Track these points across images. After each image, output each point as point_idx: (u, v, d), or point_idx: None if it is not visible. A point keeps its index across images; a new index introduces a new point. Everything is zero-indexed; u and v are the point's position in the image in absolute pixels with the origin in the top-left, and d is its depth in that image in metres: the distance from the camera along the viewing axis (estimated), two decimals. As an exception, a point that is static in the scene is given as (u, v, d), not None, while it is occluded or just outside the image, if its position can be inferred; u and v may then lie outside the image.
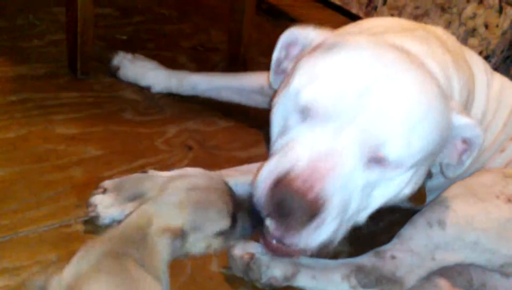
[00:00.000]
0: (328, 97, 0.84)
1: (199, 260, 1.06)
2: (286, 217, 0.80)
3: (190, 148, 1.37)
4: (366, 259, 1.07)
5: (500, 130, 1.24)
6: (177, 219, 0.87)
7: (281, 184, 0.80)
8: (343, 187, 0.82)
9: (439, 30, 1.17)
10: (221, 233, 0.92)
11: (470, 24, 2.02)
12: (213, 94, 1.53)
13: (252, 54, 1.78)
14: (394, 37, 1.00)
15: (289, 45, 1.04)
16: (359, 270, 1.05)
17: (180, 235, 0.87)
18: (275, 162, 0.87)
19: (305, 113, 0.86)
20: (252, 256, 1.02)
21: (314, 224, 0.81)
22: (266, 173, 0.86)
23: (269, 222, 0.87)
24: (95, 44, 1.56)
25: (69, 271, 0.82)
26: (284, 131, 0.91)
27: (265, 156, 1.33)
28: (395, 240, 1.09)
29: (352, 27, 1.14)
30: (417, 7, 2.20)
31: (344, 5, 2.39)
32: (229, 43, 1.78)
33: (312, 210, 0.79)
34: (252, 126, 1.51)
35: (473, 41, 2.00)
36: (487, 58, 1.95)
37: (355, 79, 0.84)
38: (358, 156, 0.83)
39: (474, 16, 2.01)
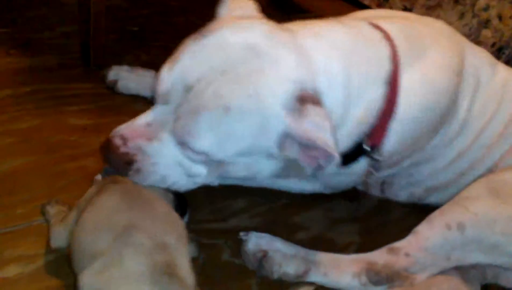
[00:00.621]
0: (166, 80, 0.95)
1: (211, 250, 1.06)
2: (112, 165, 0.98)
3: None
4: (378, 256, 1.07)
5: (507, 123, 1.21)
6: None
7: (107, 142, 0.98)
8: (154, 151, 0.96)
9: (433, 24, 1.16)
10: None
11: (484, 15, 2.00)
12: None
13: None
14: (307, 28, 1.01)
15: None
16: (370, 267, 1.05)
17: None
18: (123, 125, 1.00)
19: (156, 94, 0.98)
20: (265, 253, 1.03)
21: (132, 171, 0.96)
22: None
23: None
24: (107, 36, 1.56)
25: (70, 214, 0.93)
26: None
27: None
28: (410, 238, 1.07)
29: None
30: (429, -1, 2.18)
31: (356, -4, 2.38)
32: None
33: (124, 160, 0.96)
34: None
35: (486, 32, 1.99)
36: (500, 50, 1.93)
37: (189, 72, 0.92)
38: (171, 137, 0.95)
39: (487, 8, 2.00)
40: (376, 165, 1.10)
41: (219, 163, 0.97)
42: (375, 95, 1.03)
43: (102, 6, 1.50)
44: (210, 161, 0.96)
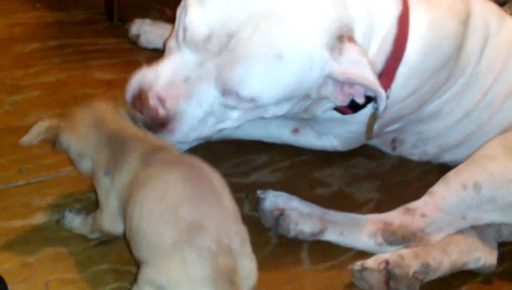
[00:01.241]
0: (202, 26, 0.90)
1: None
2: (145, 120, 0.94)
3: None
4: (394, 216, 1.08)
5: None
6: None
7: (140, 98, 0.94)
8: (195, 110, 0.94)
9: None
10: None
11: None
12: None
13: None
14: None
15: None
16: (386, 227, 1.06)
17: None
18: (145, 73, 0.97)
19: (184, 32, 0.92)
20: (282, 212, 1.05)
21: (166, 130, 0.95)
22: (135, 81, 0.97)
23: None
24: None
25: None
26: (171, 38, 0.98)
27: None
28: (426, 198, 1.08)
29: None
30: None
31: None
32: None
33: (161, 122, 0.94)
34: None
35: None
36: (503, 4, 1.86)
37: (230, 17, 0.89)
38: (213, 88, 0.93)
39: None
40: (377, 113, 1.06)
41: (257, 108, 0.96)
42: (387, 35, 1.01)
43: (127, -40, 1.50)
44: (247, 108, 0.95)
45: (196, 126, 0.98)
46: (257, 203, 1.08)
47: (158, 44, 1.47)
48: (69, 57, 1.37)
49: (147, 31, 1.49)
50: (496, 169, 1.04)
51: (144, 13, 1.58)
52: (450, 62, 1.11)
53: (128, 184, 0.83)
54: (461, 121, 1.21)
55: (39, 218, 0.97)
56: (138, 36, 1.48)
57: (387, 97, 1.00)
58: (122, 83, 1.30)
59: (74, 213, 0.95)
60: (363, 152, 1.30)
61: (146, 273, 0.77)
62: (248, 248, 0.80)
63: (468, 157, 1.11)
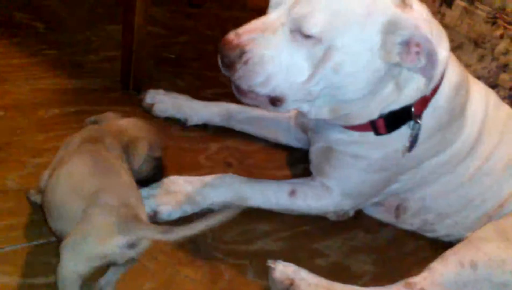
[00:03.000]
0: None
1: (237, 270, 1.15)
2: (224, 59, 1.08)
3: (229, 165, 1.47)
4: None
5: None
6: None
7: (223, 45, 1.09)
8: (267, 42, 1.07)
9: None
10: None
11: (503, 59, 2.08)
12: (246, 128, 1.58)
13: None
14: None
15: None
16: None
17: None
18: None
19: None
20: (291, 282, 1.12)
21: (243, 63, 1.06)
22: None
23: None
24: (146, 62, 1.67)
25: (55, 159, 1.05)
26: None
27: (299, 175, 1.43)
28: (425, 273, 1.15)
29: None
30: (451, 40, 2.27)
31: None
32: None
33: (238, 52, 1.06)
34: (285, 149, 1.60)
35: (504, 76, 2.07)
36: (517, 93, 2.01)
37: None
38: (285, 26, 1.06)
39: (506, 52, 2.08)
40: (412, 140, 1.18)
41: (324, 56, 1.05)
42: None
43: (144, 35, 1.61)
44: (317, 52, 1.05)
45: (270, 67, 1.07)
46: (263, 266, 1.14)
47: (170, 113, 1.58)
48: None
49: (160, 101, 1.58)
50: (490, 250, 1.13)
51: (156, 83, 1.69)
52: (462, 113, 1.25)
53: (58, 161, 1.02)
54: (462, 186, 1.30)
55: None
56: (152, 105, 1.58)
57: (420, 119, 1.16)
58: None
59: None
60: (360, 225, 1.37)
61: (64, 242, 0.90)
62: (143, 206, 0.96)
63: (463, 229, 1.18)
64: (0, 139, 1.30)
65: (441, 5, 2.33)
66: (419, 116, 1.17)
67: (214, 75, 1.85)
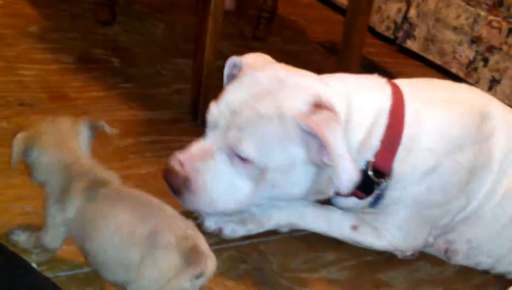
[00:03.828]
0: (212, 113, 1.21)
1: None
2: (171, 185, 1.20)
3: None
4: None
5: None
6: None
7: (166, 172, 1.20)
8: (209, 171, 1.18)
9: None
10: None
11: None
12: None
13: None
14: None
15: (232, 67, 1.34)
16: None
17: None
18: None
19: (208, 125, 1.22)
20: None
21: (189, 190, 1.17)
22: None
23: None
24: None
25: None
26: None
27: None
28: None
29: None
30: (518, 70, 2.23)
31: (444, 64, 2.47)
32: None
33: (180, 180, 1.18)
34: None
35: None
36: None
37: (232, 100, 1.18)
38: (221, 152, 1.17)
39: None
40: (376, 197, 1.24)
41: (261, 175, 1.15)
42: (377, 123, 1.22)
43: (213, 68, 1.69)
44: (254, 172, 1.15)
45: (214, 191, 1.18)
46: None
47: None
48: (158, 152, 1.54)
49: None
50: None
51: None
52: (462, 149, 1.23)
53: (76, 217, 0.98)
54: (507, 228, 1.28)
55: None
56: None
57: (389, 174, 1.21)
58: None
59: (22, 230, 1.10)
60: (426, 257, 1.36)
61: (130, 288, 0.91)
62: (199, 233, 0.96)
63: None
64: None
65: (507, 36, 2.31)
66: (385, 172, 1.21)
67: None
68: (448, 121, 1.25)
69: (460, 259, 1.34)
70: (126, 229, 0.92)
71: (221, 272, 1.20)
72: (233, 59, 1.33)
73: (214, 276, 1.15)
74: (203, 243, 0.94)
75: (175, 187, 1.18)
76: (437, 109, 1.26)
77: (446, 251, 1.34)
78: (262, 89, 1.17)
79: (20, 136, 1.03)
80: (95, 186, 0.99)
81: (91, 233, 0.95)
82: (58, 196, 1.01)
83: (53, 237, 1.03)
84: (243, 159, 1.15)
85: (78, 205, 0.98)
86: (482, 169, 1.25)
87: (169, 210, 0.98)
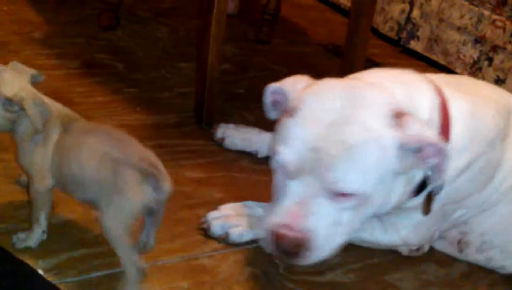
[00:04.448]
0: (289, 159, 1.08)
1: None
2: (284, 251, 1.10)
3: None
4: None
5: None
6: None
7: (275, 239, 1.08)
8: (319, 222, 1.08)
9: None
10: None
11: None
12: None
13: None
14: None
15: (274, 94, 1.24)
16: None
17: None
18: (270, 217, 1.11)
19: (283, 171, 1.10)
20: None
21: (306, 249, 1.08)
22: (267, 226, 1.10)
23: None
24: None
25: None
26: (274, 184, 1.15)
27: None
28: None
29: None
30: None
31: (448, 64, 2.46)
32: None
33: (298, 243, 1.08)
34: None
35: None
36: None
37: (308, 138, 1.07)
38: (320, 198, 1.07)
39: None
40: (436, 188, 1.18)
41: (364, 199, 1.09)
42: (431, 121, 1.18)
43: (216, 73, 1.70)
44: (355, 202, 1.09)
45: (327, 238, 1.09)
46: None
47: (240, 146, 1.64)
48: (163, 156, 1.51)
49: (230, 135, 1.65)
50: None
51: (227, 117, 1.76)
52: (495, 147, 1.23)
53: (55, 149, 1.11)
54: None
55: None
56: (222, 139, 1.65)
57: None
58: (209, 182, 1.48)
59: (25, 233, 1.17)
60: (432, 258, 1.36)
61: (104, 205, 1.06)
62: (158, 159, 1.11)
63: None
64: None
65: None
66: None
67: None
68: (485, 120, 1.24)
69: (471, 252, 1.34)
70: (100, 153, 1.07)
71: (228, 276, 1.20)
72: (272, 87, 1.23)
73: (220, 279, 1.18)
74: (162, 166, 1.09)
75: (291, 252, 1.09)
76: (475, 107, 1.24)
77: (459, 242, 1.34)
78: (336, 117, 1.07)
79: None
80: (70, 120, 1.13)
81: (70, 159, 1.09)
82: (34, 135, 1.11)
83: (42, 178, 1.13)
84: (344, 195, 1.07)
85: (57, 137, 1.11)
86: (503, 164, 1.27)
87: (132, 140, 1.13)
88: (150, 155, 1.10)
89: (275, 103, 1.23)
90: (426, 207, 1.21)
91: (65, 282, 1.09)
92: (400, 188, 1.14)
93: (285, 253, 1.08)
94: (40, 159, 1.11)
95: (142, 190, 1.05)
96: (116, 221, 1.05)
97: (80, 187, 1.10)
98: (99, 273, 1.14)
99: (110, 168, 1.06)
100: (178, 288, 1.14)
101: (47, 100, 1.14)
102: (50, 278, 1.09)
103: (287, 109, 1.15)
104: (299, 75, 1.24)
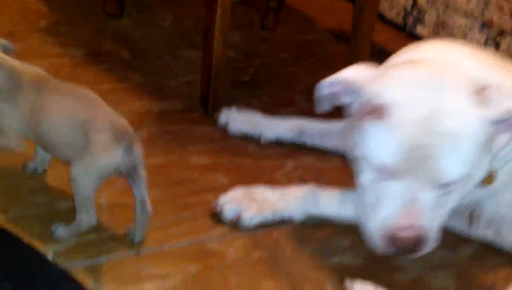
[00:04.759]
0: (393, 160, 1.08)
1: (316, 284, 1.18)
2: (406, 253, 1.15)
3: (306, 182, 1.49)
4: None
5: None
6: None
7: (394, 241, 1.12)
8: (431, 215, 1.12)
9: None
10: None
11: None
12: (318, 142, 1.62)
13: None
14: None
15: (332, 87, 1.20)
16: None
17: None
18: (376, 219, 1.13)
19: (381, 173, 1.11)
20: None
21: (424, 244, 1.13)
22: (375, 228, 1.14)
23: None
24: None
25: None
26: (366, 185, 1.15)
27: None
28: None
29: (399, 62, 1.25)
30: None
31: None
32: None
33: (420, 243, 1.13)
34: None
35: None
36: None
37: (405, 136, 1.07)
38: (430, 190, 1.09)
39: None
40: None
41: (464, 183, 1.12)
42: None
43: (222, 60, 1.69)
44: (460, 189, 1.12)
45: (438, 226, 1.15)
46: (342, 281, 1.17)
47: (244, 130, 1.64)
48: (169, 143, 1.55)
49: (234, 118, 1.65)
50: None
51: (233, 104, 1.75)
52: None
53: (29, 109, 1.16)
54: None
55: (148, 287, 1.10)
56: (227, 123, 1.65)
57: None
58: (215, 167, 1.48)
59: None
60: (439, 241, 1.35)
61: (75, 164, 1.12)
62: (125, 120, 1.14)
63: None
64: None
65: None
66: None
67: (288, 95, 1.90)
68: None
69: (482, 226, 1.34)
70: (72, 115, 1.12)
71: (235, 260, 1.21)
72: (332, 79, 1.20)
73: (228, 263, 1.18)
74: (131, 130, 1.14)
75: (411, 250, 1.13)
76: None
77: (470, 215, 1.34)
78: (427, 110, 1.08)
79: None
80: (42, 81, 1.18)
81: (42, 120, 1.15)
82: (6, 95, 1.17)
83: (8, 137, 1.20)
84: (449, 184, 1.10)
85: (30, 98, 1.16)
86: None
87: (103, 103, 1.16)
88: (121, 119, 1.14)
89: (331, 96, 1.22)
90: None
91: (75, 266, 1.10)
92: (487, 162, 1.16)
93: (403, 251, 1.13)
94: (16, 121, 1.18)
95: (112, 152, 1.10)
96: (84, 177, 1.11)
97: (53, 147, 1.17)
98: (106, 258, 1.14)
99: (81, 130, 1.11)
100: (186, 272, 1.15)
101: (17, 63, 1.20)
102: (59, 262, 1.10)
103: (366, 108, 1.13)
104: (356, 65, 1.22)
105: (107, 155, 1.10)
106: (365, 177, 1.15)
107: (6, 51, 1.22)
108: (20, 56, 1.75)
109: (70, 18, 2.09)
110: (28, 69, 1.21)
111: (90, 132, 1.10)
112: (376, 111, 1.10)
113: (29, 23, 1.98)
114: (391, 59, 1.31)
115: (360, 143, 1.14)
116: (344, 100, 1.20)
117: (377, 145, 1.10)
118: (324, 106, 1.24)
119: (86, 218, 1.14)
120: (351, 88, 1.17)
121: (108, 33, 2.05)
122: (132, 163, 1.12)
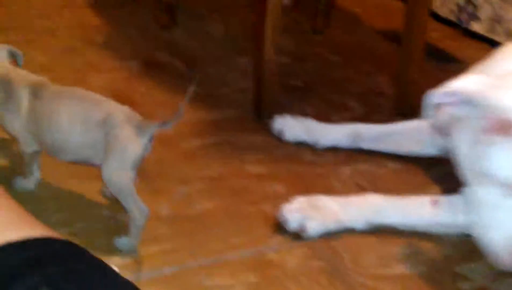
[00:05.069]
0: None
1: (378, 293, 1.16)
2: None
3: (363, 188, 1.48)
4: None
5: None
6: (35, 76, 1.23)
7: None
8: None
9: None
10: None
11: None
12: (374, 146, 1.59)
13: (419, 100, 1.85)
14: None
15: (445, 97, 1.17)
16: None
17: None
18: (505, 235, 1.12)
19: (509, 189, 1.09)
20: None
21: None
22: (503, 244, 1.13)
23: None
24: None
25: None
26: (488, 200, 1.12)
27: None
28: None
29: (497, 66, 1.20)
30: None
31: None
32: (396, 88, 1.87)
33: None
34: (419, 169, 1.58)
35: None
36: None
37: None
38: None
39: None
40: None
41: None
42: None
43: (274, 66, 1.69)
44: None
45: None
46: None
47: (300, 137, 1.63)
48: (225, 152, 1.56)
49: (289, 126, 1.64)
50: None
51: (286, 111, 1.75)
52: None
53: (29, 116, 1.17)
54: None
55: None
56: (281, 131, 1.64)
57: None
58: (272, 176, 1.48)
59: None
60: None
61: (105, 163, 1.12)
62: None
63: None
64: (151, 171, 1.42)
65: None
66: None
67: (341, 100, 1.88)
68: None
69: None
70: (85, 116, 1.13)
71: (295, 270, 1.20)
72: (445, 90, 1.17)
73: (288, 273, 1.18)
74: (140, 116, 1.15)
75: None
76: None
77: None
78: None
79: None
80: (38, 86, 1.18)
81: (48, 125, 1.15)
82: (4, 104, 1.19)
83: (25, 143, 1.22)
84: None
85: (27, 104, 1.17)
86: None
87: (102, 97, 1.17)
88: (128, 109, 1.15)
89: (439, 106, 1.19)
90: None
91: (139, 279, 1.13)
92: None
93: None
94: (18, 126, 1.20)
95: (139, 142, 1.11)
96: (119, 175, 1.12)
97: (66, 150, 1.17)
98: (169, 270, 1.16)
99: (99, 129, 1.12)
100: (246, 282, 1.15)
101: (12, 70, 1.21)
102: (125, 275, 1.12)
103: (492, 123, 1.10)
104: (473, 74, 1.19)
105: (136, 147, 1.12)
106: (488, 191, 1.13)
107: (13, 58, 1.26)
108: (80, 72, 1.83)
109: (125, 31, 2.14)
110: (25, 76, 1.21)
111: (111, 130, 1.11)
112: (504, 127, 1.07)
113: (87, 38, 2.04)
114: (489, 66, 1.24)
115: (484, 159, 1.11)
116: (459, 112, 1.16)
117: (506, 163, 1.08)
118: (431, 115, 1.21)
119: (138, 211, 1.14)
120: (469, 100, 1.13)
121: (162, 44, 2.08)
122: (149, 149, 1.16)
